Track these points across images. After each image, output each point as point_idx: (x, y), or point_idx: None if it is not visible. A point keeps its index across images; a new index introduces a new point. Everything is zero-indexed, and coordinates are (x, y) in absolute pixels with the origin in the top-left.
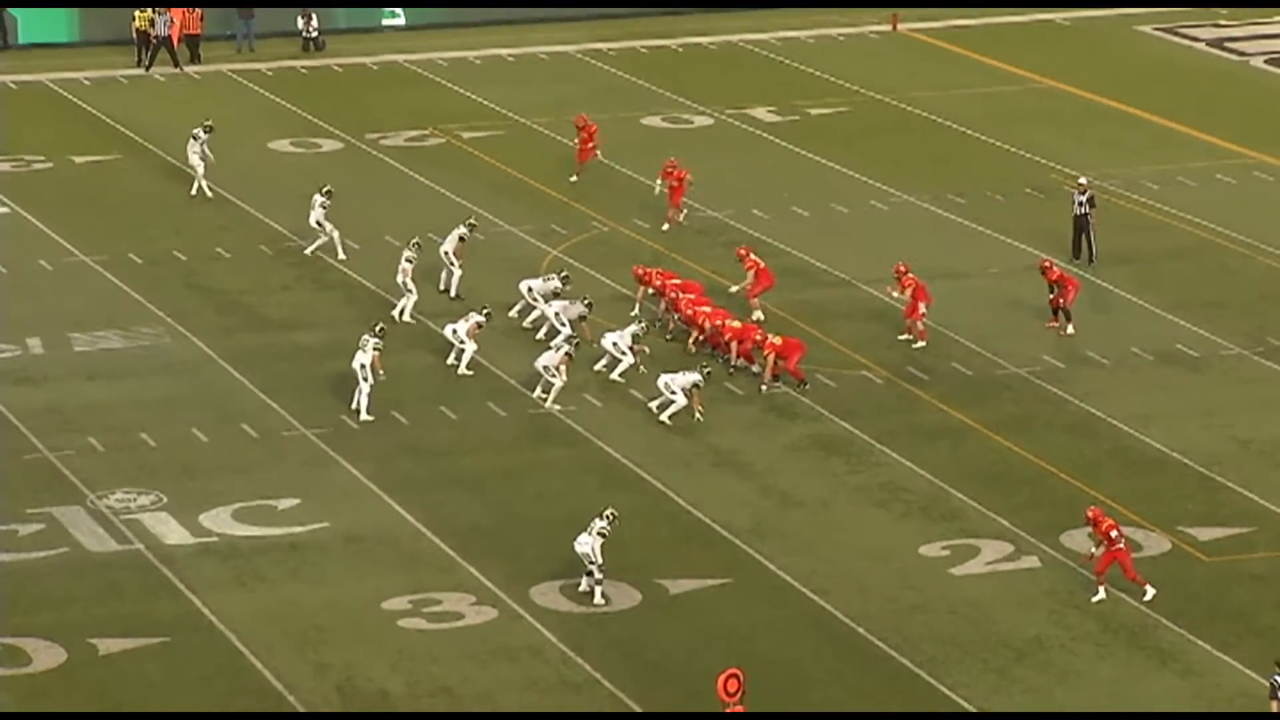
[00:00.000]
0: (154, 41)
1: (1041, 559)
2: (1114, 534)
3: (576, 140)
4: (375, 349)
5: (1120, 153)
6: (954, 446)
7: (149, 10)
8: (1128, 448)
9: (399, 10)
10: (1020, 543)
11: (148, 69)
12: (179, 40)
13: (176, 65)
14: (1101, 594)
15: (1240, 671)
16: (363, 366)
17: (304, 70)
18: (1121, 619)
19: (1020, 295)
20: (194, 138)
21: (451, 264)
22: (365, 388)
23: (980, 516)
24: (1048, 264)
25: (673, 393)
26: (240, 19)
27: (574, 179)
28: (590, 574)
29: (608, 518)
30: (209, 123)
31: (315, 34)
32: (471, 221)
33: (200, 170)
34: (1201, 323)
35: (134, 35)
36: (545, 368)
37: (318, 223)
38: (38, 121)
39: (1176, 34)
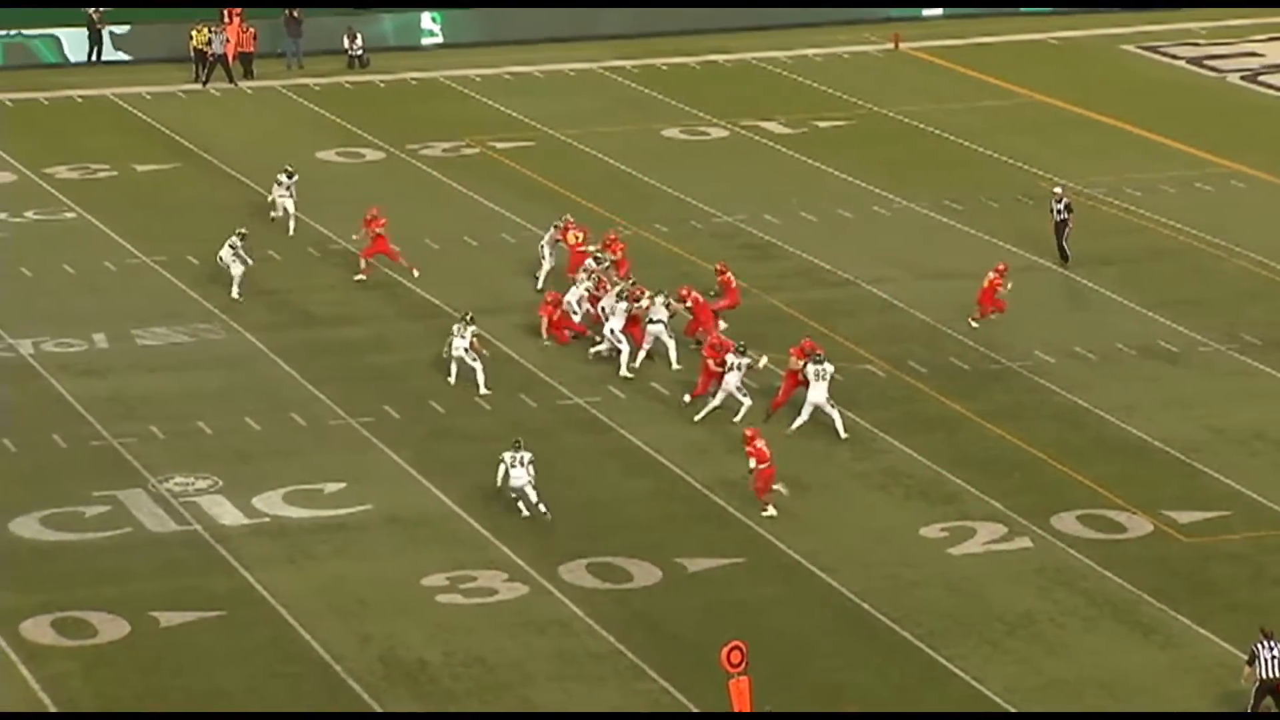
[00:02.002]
0: (210, 59)
1: (1032, 539)
2: (757, 444)
3: (365, 234)
4: (474, 335)
5: (1105, 162)
6: (951, 435)
7: (205, 29)
8: (1112, 436)
9: (437, 20)
10: (1012, 524)
11: (204, 84)
12: (234, 57)
13: (231, 81)
14: (771, 511)
15: (1216, 644)
16: (465, 350)
17: (349, 85)
18: (1107, 595)
19: (1012, 294)
20: (278, 182)
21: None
22: (479, 367)
23: (975, 500)
24: (721, 267)
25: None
26: (290, 38)
27: (415, 272)
28: (531, 501)
29: (521, 445)
30: (291, 168)
31: (360, 52)
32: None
33: (290, 209)
34: (1180, 320)
35: (191, 53)
36: (735, 389)
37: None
38: (102, 132)
39: (1158, 52)
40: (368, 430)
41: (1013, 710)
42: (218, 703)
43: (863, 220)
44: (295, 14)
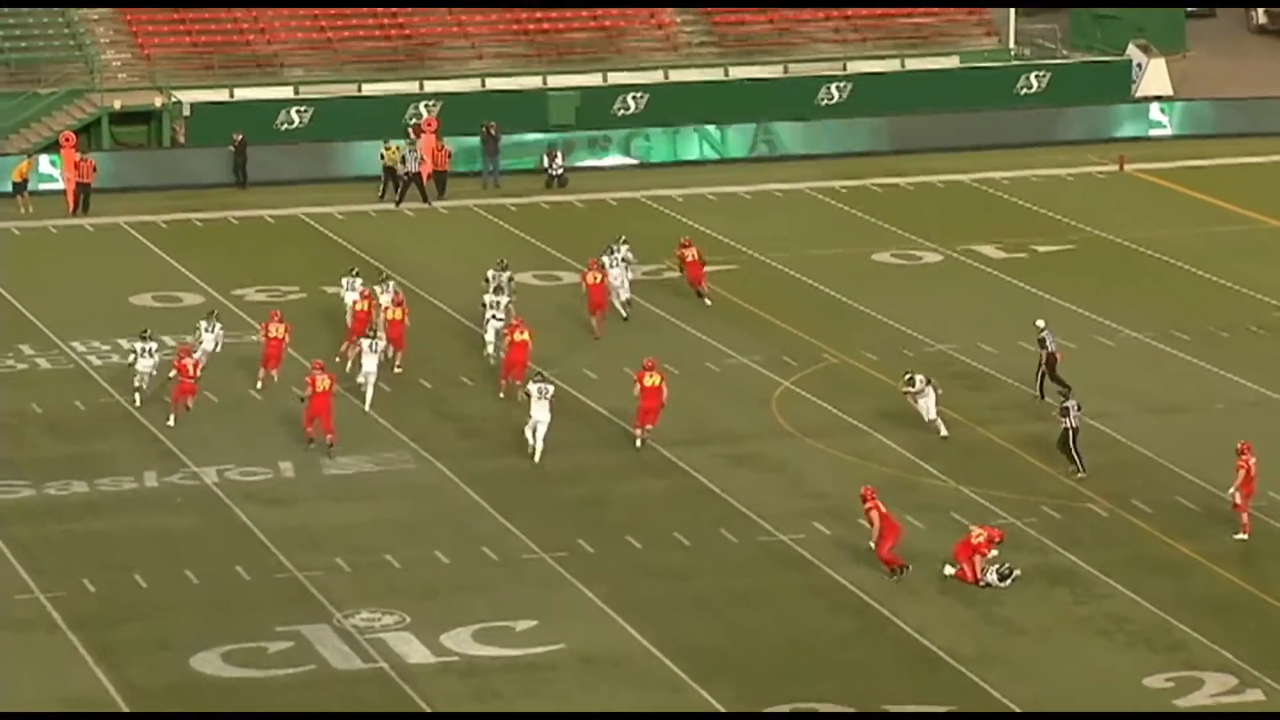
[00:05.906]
0: (403, 177)
1: (1265, 692)
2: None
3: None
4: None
5: None
6: (1178, 578)
7: (396, 147)
8: None
9: (648, 139)
10: (1244, 675)
11: (398, 204)
12: (428, 176)
13: (425, 200)
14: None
15: None
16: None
17: (546, 205)
18: None
19: (1244, 430)
20: (625, 263)
21: None
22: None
23: (1204, 649)
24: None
25: None
26: (486, 156)
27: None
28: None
29: (149, 336)
30: (624, 239)
31: (560, 171)
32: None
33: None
34: None
35: (382, 170)
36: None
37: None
38: (291, 252)
39: None
40: (561, 565)
41: None
42: None
43: (1085, 350)
44: (492, 131)
